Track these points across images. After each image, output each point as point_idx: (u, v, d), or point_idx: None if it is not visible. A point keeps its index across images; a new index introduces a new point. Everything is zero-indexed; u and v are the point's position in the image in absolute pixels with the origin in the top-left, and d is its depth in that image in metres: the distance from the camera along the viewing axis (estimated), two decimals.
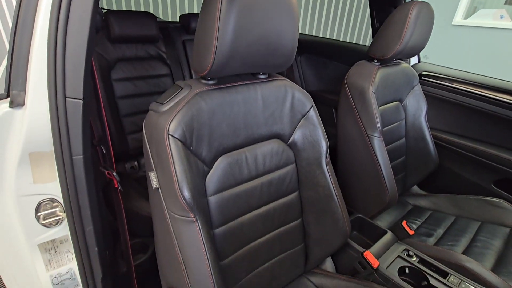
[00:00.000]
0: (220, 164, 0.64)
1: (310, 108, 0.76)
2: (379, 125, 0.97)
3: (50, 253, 0.61)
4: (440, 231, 1.07)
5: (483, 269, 0.81)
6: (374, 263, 0.80)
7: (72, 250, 0.62)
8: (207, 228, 0.57)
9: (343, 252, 0.90)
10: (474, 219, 1.12)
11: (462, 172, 1.29)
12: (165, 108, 0.58)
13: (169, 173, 0.53)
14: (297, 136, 0.76)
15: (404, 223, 0.94)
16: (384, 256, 0.85)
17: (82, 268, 0.62)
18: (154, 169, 0.57)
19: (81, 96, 0.53)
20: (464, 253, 0.93)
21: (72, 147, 0.54)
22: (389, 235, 0.91)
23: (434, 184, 1.37)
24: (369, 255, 0.81)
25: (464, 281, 0.77)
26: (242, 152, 0.68)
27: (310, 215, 0.81)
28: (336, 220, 0.78)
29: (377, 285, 0.76)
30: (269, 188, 0.72)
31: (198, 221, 0.55)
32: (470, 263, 0.82)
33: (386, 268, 0.81)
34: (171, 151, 0.53)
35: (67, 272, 0.63)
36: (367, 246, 0.87)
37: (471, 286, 0.75)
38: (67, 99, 0.52)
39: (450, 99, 1.29)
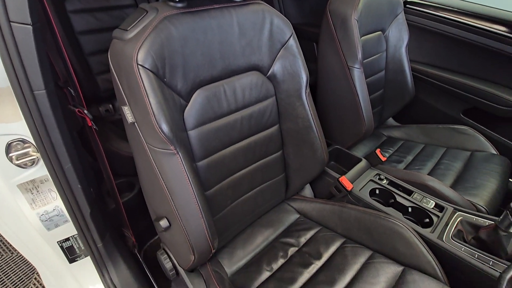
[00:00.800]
0: (197, 98, 0.62)
1: (290, 37, 0.72)
2: (360, 55, 0.95)
3: (32, 193, 0.61)
4: (409, 158, 1.16)
5: (443, 186, 0.91)
6: (348, 186, 0.87)
7: (54, 189, 0.62)
8: (189, 161, 0.58)
9: (321, 179, 0.96)
10: (441, 145, 1.21)
11: (435, 103, 1.34)
12: (130, 34, 0.52)
13: (143, 106, 0.51)
14: (276, 68, 0.73)
15: (377, 151, 1.00)
16: (358, 181, 0.93)
17: (68, 205, 0.63)
18: (127, 103, 0.54)
19: (29, 21, 0.46)
20: (428, 174, 1.03)
21: (30, 80, 0.49)
22: (363, 163, 0.98)
23: (408, 116, 1.43)
24: (344, 179, 0.88)
25: (426, 197, 0.86)
26: (220, 85, 0.65)
27: (290, 147, 0.83)
28: (314, 150, 0.82)
29: (350, 205, 0.85)
30: (249, 122, 0.73)
31: (180, 153, 0.55)
32: (433, 182, 0.92)
33: (359, 190, 0.89)
34: (143, 83, 0.50)
35: (54, 209, 0.64)
36: (343, 173, 0.94)
37: (430, 201, 0.85)
38: (12, 24, 0.45)
39: (432, 28, 1.26)
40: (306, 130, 0.79)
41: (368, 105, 1.00)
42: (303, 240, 0.83)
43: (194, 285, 0.70)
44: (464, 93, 1.22)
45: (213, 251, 0.65)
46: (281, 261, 0.78)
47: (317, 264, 0.76)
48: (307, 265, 0.75)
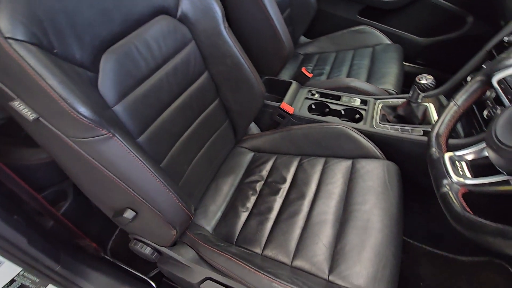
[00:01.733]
0: (106, 65, 0.50)
1: None
2: None
3: None
4: (327, 68, 1.26)
5: (361, 83, 1.03)
6: (290, 110, 0.91)
7: None
8: (129, 138, 0.50)
9: (263, 113, 0.98)
10: (349, 49, 1.33)
11: (335, 11, 1.42)
12: None
13: (43, 93, 0.39)
14: (185, 6, 0.63)
15: (303, 69, 1.04)
16: (295, 102, 0.97)
17: None
18: (15, 96, 0.41)
19: None
20: (347, 77, 1.14)
21: None
22: (294, 84, 1.02)
23: (316, 30, 1.49)
24: (285, 105, 0.91)
25: (352, 97, 0.97)
26: (128, 43, 0.54)
27: (226, 91, 0.80)
28: (251, 86, 0.80)
29: (295, 126, 0.90)
30: (176, 77, 0.64)
31: (116, 134, 0.46)
32: (353, 82, 1.03)
33: (299, 110, 0.94)
34: (27, 63, 0.37)
35: None
36: (280, 100, 0.97)
37: (356, 99, 0.97)
38: None
39: None
40: (237, 68, 0.75)
41: (284, 26, 0.99)
42: (265, 172, 0.88)
43: (183, 254, 0.69)
44: None
45: (192, 217, 0.63)
46: (253, 199, 0.82)
47: (285, 187, 0.82)
48: (276, 191, 0.81)
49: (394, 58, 1.18)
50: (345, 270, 0.61)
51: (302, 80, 1.05)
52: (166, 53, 0.61)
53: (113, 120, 0.50)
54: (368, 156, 0.82)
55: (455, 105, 0.55)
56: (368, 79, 1.11)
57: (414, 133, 0.80)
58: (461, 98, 0.55)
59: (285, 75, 1.23)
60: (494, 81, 0.50)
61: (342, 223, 0.69)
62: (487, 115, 0.69)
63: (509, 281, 0.85)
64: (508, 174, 0.40)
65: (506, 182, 0.40)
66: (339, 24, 1.43)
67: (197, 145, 0.76)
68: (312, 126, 0.88)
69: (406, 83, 1.08)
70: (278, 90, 1.05)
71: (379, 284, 0.58)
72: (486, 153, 0.46)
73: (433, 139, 0.54)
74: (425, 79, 0.74)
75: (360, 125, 0.88)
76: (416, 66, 1.43)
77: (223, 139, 0.86)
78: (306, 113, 0.94)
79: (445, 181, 0.46)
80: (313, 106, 0.98)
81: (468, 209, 0.41)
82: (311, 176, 0.82)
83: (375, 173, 0.76)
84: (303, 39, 1.51)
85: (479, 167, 0.46)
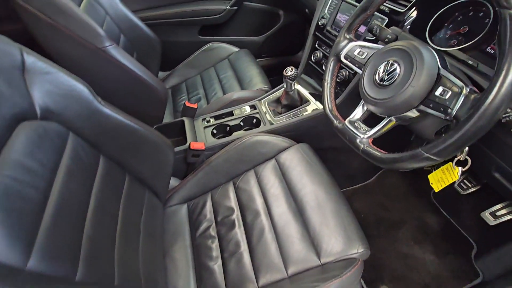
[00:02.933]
0: None
1: (22, 55, 0.49)
2: (101, 31, 0.82)
3: None
4: (201, 91, 1.30)
5: (240, 92, 1.14)
6: (201, 146, 0.90)
7: None
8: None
9: (176, 161, 0.93)
10: (209, 67, 1.41)
11: (177, 38, 1.47)
12: None
13: None
14: (41, 101, 0.51)
15: (186, 103, 1.04)
16: (198, 136, 0.97)
17: None
18: None
19: None
20: (223, 93, 1.22)
21: None
22: (187, 120, 1.01)
23: (169, 61, 1.49)
24: (194, 144, 0.89)
25: (241, 107, 1.06)
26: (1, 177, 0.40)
27: (132, 163, 0.71)
28: (153, 144, 0.75)
29: (212, 157, 0.91)
30: (76, 181, 0.53)
31: None
32: (234, 95, 1.12)
33: (207, 141, 0.95)
34: None
35: None
36: (183, 142, 0.94)
37: (245, 107, 1.06)
38: None
39: None
40: (131, 135, 0.68)
41: (147, 71, 0.95)
42: (209, 215, 0.85)
43: None
44: (196, 17, 1.39)
45: None
46: (216, 245, 0.78)
47: (237, 215, 0.82)
48: (232, 224, 0.80)
49: (249, 61, 1.34)
50: (328, 247, 0.69)
51: (190, 113, 1.05)
52: (51, 162, 0.49)
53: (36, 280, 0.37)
54: (283, 148, 0.92)
55: (327, 83, 0.70)
56: (242, 87, 1.23)
57: (304, 113, 0.97)
58: (328, 76, 0.70)
59: (167, 117, 1.20)
60: (342, 58, 0.67)
61: (301, 213, 0.77)
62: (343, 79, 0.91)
63: (402, 179, 1.18)
64: (389, 116, 0.56)
65: (390, 121, 0.56)
66: (187, 48, 1.49)
67: (134, 236, 0.66)
68: (227, 149, 0.91)
69: (268, 75, 1.27)
70: (175, 133, 1.02)
71: (353, 237, 0.69)
72: (368, 109, 0.62)
73: (330, 114, 0.67)
74: (290, 71, 0.90)
75: (262, 127, 0.98)
76: (264, 59, 1.68)
77: (152, 210, 0.77)
78: (214, 141, 0.96)
79: (358, 140, 0.59)
80: (215, 131, 1.01)
81: (382, 151, 0.55)
82: (251, 191, 0.85)
83: (296, 158, 0.87)
84: (161, 74, 1.49)
85: (369, 119, 0.62)
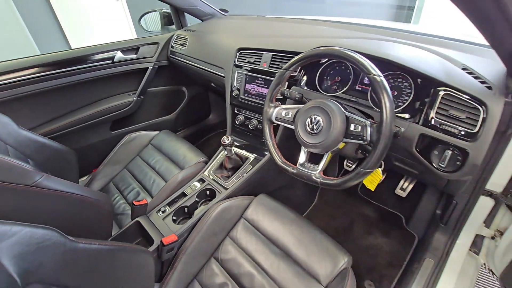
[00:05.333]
0: None
1: None
2: None
3: None
4: (136, 184, 1.27)
5: (184, 172, 1.18)
6: (174, 237, 0.89)
7: None
8: None
9: (155, 262, 0.87)
10: (133, 158, 1.39)
11: (90, 141, 1.39)
12: None
13: None
14: (13, 266, 0.45)
15: (134, 202, 1.00)
16: (162, 231, 0.94)
17: None
18: None
19: None
20: (160, 176, 1.23)
21: None
22: (142, 219, 0.97)
23: (90, 161, 1.38)
24: (166, 239, 0.87)
25: (190, 185, 1.10)
26: None
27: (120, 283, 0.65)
28: (135, 257, 0.71)
29: (186, 246, 0.90)
30: None
31: None
32: (181, 174, 1.15)
33: (175, 231, 0.94)
34: None
35: None
36: (150, 243, 0.90)
37: (196, 183, 1.10)
38: None
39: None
40: (112, 257, 0.64)
41: (81, 186, 0.89)
42: None
43: None
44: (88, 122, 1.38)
45: None
46: None
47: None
48: None
49: (173, 140, 1.40)
50: (322, 271, 0.80)
51: (141, 211, 1.01)
52: None
53: None
54: (246, 206, 1.01)
55: (270, 142, 0.87)
56: (179, 166, 1.27)
57: (249, 169, 1.10)
58: (268, 137, 0.87)
59: (128, 218, 1.12)
60: (273, 120, 0.85)
61: (287, 254, 0.87)
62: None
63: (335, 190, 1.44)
64: (326, 152, 0.76)
65: (328, 155, 0.76)
66: (102, 147, 1.43)
67: None
68: (197, 229, 0.93)
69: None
70: (133, 237, 0.95)
71: (335, 252, 0.82)
72: (308, 151, 0.80)
73: (283, 165, 0.83)
74: (227, 139, 1.03)
75: (219, 196, 1.05)
76: (181, 132, 1.78)
77: None
78: (181, 227, 0.95)
79: (313, 177, 0.76)
80: (175, 218, 1.01)
81: (334, 178, 0.74)
82: (236, 258, 0.90)
83: (261, 210, 0.98)
84: (81, 182, 1.35)
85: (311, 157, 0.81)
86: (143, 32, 1.70)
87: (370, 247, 1.21)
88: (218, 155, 1.19)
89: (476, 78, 0.72)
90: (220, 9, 1.72)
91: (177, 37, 1.58)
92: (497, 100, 0.66)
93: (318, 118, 0.74)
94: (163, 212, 1.02)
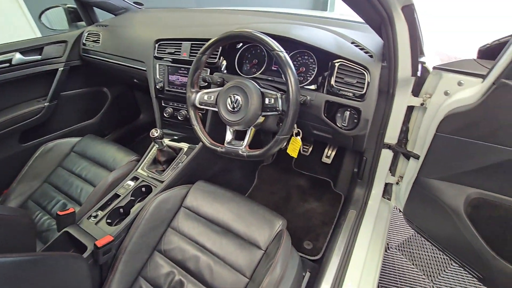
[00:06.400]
0: None
1: None
2: None
3: None
4: (61, 196, 1.16)
5: (116, 172, 1.12)
6: (109, 238, 0.85)
7: None
8: None
9: (92, 268, 0.82)
10: (54, 169, 1.26)
11: None
12: None
13: None
14: None
15: (59, 212, 0.92)
16: (96, 236, 0.89)
17: None
18: None
19: None
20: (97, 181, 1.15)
21: None
22: (72, 229, 0.90)
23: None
24: (100, 241, 0.83)
25: (124, 183, 1.06)
26: None
27: None
28: (67, 266, 0.67)
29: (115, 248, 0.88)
30: None
31: None
32: (111, 176, 1.09)
33: (111, 232, 0.90)
34: None
35: None
36: (82, 250, 0.85)
37: (130, 182, 1.06)
38: None
39: None
40: (43, 270, 0.59)
41: None
42: None
43: None
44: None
45: None
46: None
47: (190, 280, 0.85)
48: (182, 285, 0.83)
49: (99, 143, 1.31)
50: (261, 237, 0.87)
51: (70, 221, 0.94)
52: None
53: None
54: (185, 195, 1.02)
55: (196, 126, 0.89)
56: (109, 169, 1.20)
57: (184, 158, 1.10)
58: (195, 121, 0.89)
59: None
60: (197, 105, 0.88)
61: (228, 230, 0.91)
62: None
63: (271, 167, 1.54)
64: (249, 127, 0.82)
65: (251, 130, 0.82)
66: (12, 163, 1.25)
67: None
68: (135, 225, 0.91)
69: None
70: (63, 250, 0.88)
71: (271, 218, 0.90)
72: (233, 129, 0.85)
73: (212, 146, 0.86)
74: (156, 132, 1.01)
75: (155, 190, 1.03)
76: (111, 135, 1.66)
77: None
78: (117, 227, 0.91)
79: (240, 152, 0.81)
80: (110, 220, 0.96)
81: (258, 149, 0.80)
82: (179, 245, 0.91)
83: (199, 196, 1.00)
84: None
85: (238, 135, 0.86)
86: (48, 31, 1.52)
87: (306, 212, 1.34)
88: (150, 150, 1.16)
89: (361, 49, 0.86)
90: (134, 2, 1.65)
91: (88, 34, 1.46)
92: (376, 65, 0.80)
93: (237, 97, 0.79)
94: (95, 217, 0.96)
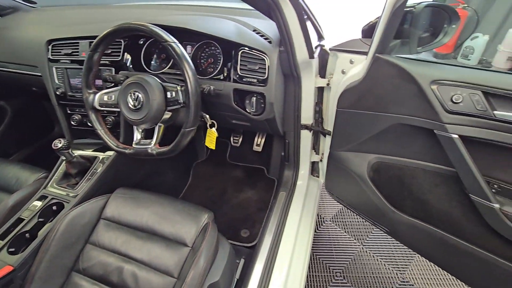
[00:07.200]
0: None
1: None
2: None
3: None
4: None
5: (18, 193, 0.98)
6: (8, 269, 0.74)
7: None
8: None
9: None
10: None
11: None
12: None
13: None
14: None
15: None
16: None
17: None
18: None
19: None
20: None
21: None
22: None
23: None
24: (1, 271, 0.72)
25: (29, 205, 0.93)
26: None
27: None
28: None
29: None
30: None
31: None
32: (12, 198, 0.95)
33: (13, 261, 0.79)
34: None
35: None
36: None
37: (36, 203, 0.94)
38: None
39: None
40: None
41: None
42: None
43: None
44: None
45: None
46: None
47: None
48: None
49: (1, 165, 1.14)
50: (187, 234, 0.84)
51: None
52: None
53: None
54: (103, 205, 0.94)
55: (100, 130, 0.82)
56: (12, 192, 1.04)
57: (99, 168, 1.02)
58: (98, 125, 0.82)
59: None
60: (97, 107, 0.81)
61: (153, 233, 0.87)
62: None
63: (205, 164, 1.52)
64: (156, 124, 0.78)
65: (160, 127, 0.79)
66: None
67: None
68: (43, 249, 0.81)
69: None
70: None
71: (196, 213, 0.88)
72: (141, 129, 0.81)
73: (119, 149, 0.81)
74: (59, 143, 0.91)
75: (68, 206, 0.94)
76: (17, 154, 1.45)
77: None
78: (21, 255, 0.80)
79: (149, 151, 0.78)
80: (13, 249, 0.84)
81: (167, 146, 0.77)
82: (100, 260, 0.84)
83: (120, 204, 0.93)
84: None
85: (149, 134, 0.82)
86: None
87: (242, 202, 1.37)
88: (59, 164, 1.05)
89: (262, 36, 0.89)
90: (25, 0, 1.45)
91: None
92: (274, 50, 0.84)
93: (137, 93, 0.75)
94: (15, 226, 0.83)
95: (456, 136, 0.65)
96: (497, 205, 0.63)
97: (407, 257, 1.30)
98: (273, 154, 1.44)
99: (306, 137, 1.17)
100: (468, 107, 0.62)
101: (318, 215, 1.52)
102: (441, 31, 0.88)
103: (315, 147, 1.31)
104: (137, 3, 1.33)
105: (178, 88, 0.74)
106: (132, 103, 0.75)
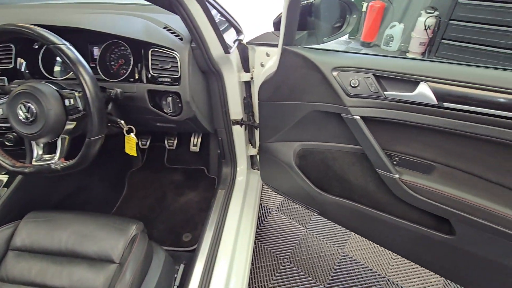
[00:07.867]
0: None
1: None
2: None
3: None
4: None
5: None
6: None
7: None
8: None
9: None
10: None
11: None
12: None
13: None
14: None
15: None
16: None
17: None
18: None
19: None
20: None
21: None
22: None
23: None
24: None
25: None
26: None
27: None
28: None
29: None
30: None
31: None
32: None
33: None
34: None
35: None
36: None
37: None
38: None
39: None
40: None
41: None
42: None
43: None
44: None
45: None
46: None
47: None
48: None
49: None
50: (113, 249, 0.78)
51: None
52: None
53: None
54: (10, 236, 0.83)
55: None
56: None
57: (1, 193, 0.89)
58: None
59: None
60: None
61: (75, 255, 0.79)
62: None
63: (141, 172, 1.43)
64: (59, 136, 0.70)
65: (63, 139, 0.71)
66: None
67: None
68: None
69: None
70: None
71: (123, 226, 0.82)
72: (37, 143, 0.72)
73: (16, 170, 0.71)
74: None
75: None
76: None
77: None
78: None
79: (52, 167, 0.70)
80: None
81: (73, 159, 0.70)
82: None
83: (33, 230, 0.82)
84: None
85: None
86: None
87: (183, 205, 1.32)
88: None
89: (173, 33, 0.85)
90: None
91: None
92: (185, 47, 0.81)
93: (28, 104, 0.66)
94: None
95: (358, 117, 0.70)
96: (396, 175, 0.71)
97: (345, 232, 1.40)
98: (211, 153, 1.42)
99: (239, 132, 1.17)
100: (364, 90, 0.68)
101: (264, 206, 1.55)
102: (344, 22, 0.94)
103: (251, 141, 1.32)
104: (37, 3, 1.18)
105: (76, 94, 0.67)
106: (23, 116, 0.66)
